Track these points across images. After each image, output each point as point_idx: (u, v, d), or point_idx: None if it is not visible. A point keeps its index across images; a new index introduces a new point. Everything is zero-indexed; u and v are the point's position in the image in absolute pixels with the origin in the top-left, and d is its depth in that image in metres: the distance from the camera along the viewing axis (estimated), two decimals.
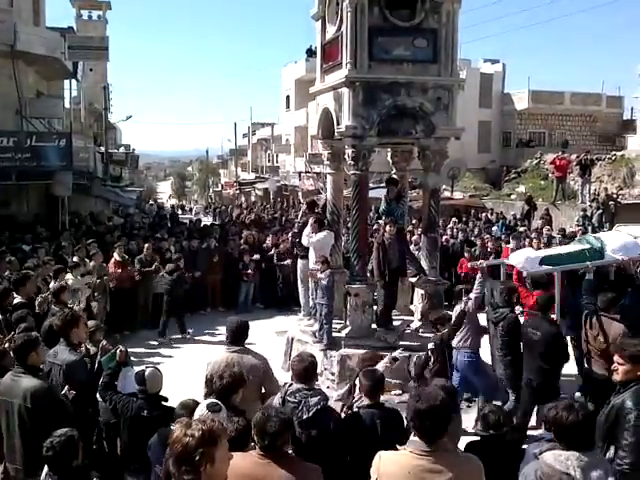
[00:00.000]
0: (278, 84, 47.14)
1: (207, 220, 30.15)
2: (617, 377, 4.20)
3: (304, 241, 9.47)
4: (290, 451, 3.54)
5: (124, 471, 4.91)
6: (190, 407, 3.96)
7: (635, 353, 4.15)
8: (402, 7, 8.56)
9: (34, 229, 15.33)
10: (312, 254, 9.27)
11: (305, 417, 4.05)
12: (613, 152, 27.37)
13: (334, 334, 8.80)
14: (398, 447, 3.10)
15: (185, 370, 8.49)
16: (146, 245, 12.74)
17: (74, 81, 23.68)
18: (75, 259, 11.01)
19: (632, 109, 36.58)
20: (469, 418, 6.84)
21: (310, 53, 34.25)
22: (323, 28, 9.57)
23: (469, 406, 7.91)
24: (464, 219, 21.06)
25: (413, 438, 2.99)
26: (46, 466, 3.67)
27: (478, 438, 4.58)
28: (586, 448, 3.13)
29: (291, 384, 4.35)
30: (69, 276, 9.61)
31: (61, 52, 18.73)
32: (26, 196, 18.11)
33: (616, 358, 4.24)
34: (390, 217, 9.32)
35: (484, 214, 21.87)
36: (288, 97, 43.95)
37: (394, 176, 10.37)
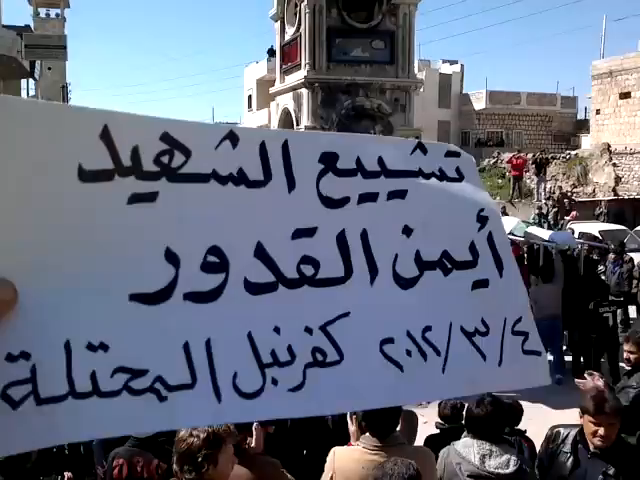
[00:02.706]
0: (240, 83, 46.95)
1: None
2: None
3: None
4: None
5: (85, 474, 4.87)
6: None
7: None
8: (360, 9, 8.68)
9: None
10: None
11: None
12: (567, 151, 28.14)
13: None
14: (352, 443, 3.18)
15: None
16: None
17: (32, 80, 23.15)
18: None
19: (585, 109, 37.63)
20: (428, 412, 6.96)
21: (271, 53, 34.11)
22: (282, 29, 9.60)
23: (428, 401, 8.05)
24: None
25: (366, 434, 3.07)
26: None
27: (438, 431, 4.73)
28: (492, 440, 3.27)
29: None
30: None
31: (18, 51, 18.34)
32: None
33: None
34: None
35: None
36: (250, 97, 43.76)
37: None
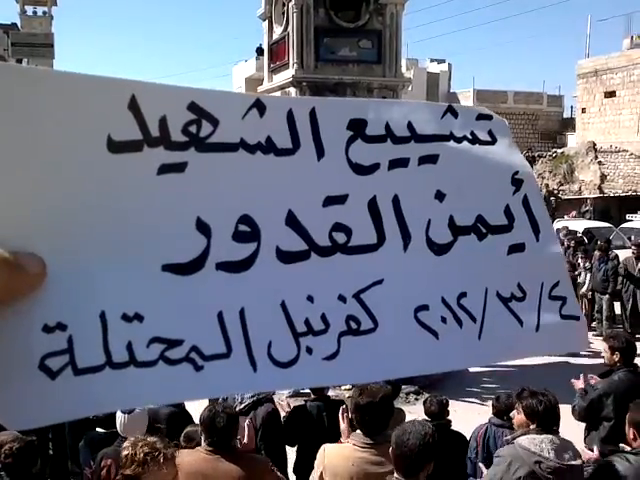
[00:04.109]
0: (229, 82, 46.83)
1: None
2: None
3: None
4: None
5: (70, 475, 4.85)
6: None
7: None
8: (347, 8, 8.72)
9: None
10: None
11: (237, 409, 4.13)
12: (554, 149, 28.32)
13: None
14: (342, 440, 3.20)
15: None
16: None
17: None
18: None
19: (571, 108, 37.88)
20: (417, 410, 7.01)
21: (260, 52, 33.99)
22: (270, 28, 9.63)
23: (417, 399, 8.10)
24: None
25: (357, 431, 3.09)
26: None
27: None
28: (556, 432, 3.30)
29: None
30: None
31: (4, 49, 18.23)
32: None
33: None
34: None
35: None
36: None
37: None
